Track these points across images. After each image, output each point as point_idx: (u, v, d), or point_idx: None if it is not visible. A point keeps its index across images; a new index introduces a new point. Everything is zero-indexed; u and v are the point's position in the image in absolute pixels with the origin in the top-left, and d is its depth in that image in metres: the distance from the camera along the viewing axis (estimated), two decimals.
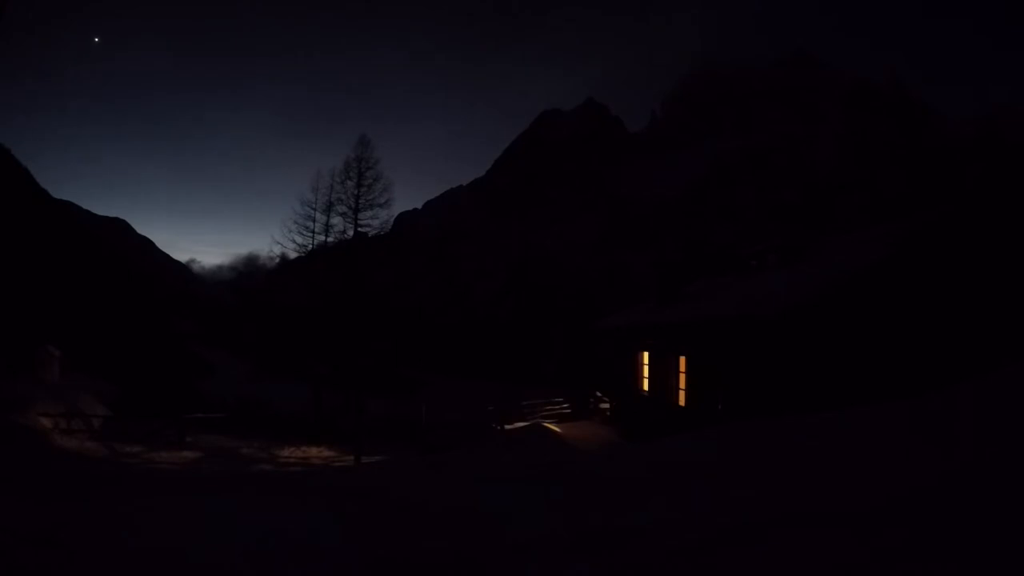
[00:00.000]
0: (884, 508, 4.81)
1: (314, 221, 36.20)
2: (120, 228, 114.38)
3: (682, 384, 17.69)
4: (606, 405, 23.29)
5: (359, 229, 35.72)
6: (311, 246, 36.72)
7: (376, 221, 36.27)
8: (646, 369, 20.72)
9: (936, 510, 4.52)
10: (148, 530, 7.55)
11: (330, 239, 36.59)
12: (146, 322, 53.44)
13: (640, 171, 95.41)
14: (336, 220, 36.08)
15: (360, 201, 35.39)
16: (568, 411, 23.08)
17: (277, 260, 39.87)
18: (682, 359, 17.77)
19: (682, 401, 17.66)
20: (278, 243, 36.83)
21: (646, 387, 20.63)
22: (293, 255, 38.20)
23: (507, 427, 20.96)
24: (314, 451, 22.14)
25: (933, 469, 5.65)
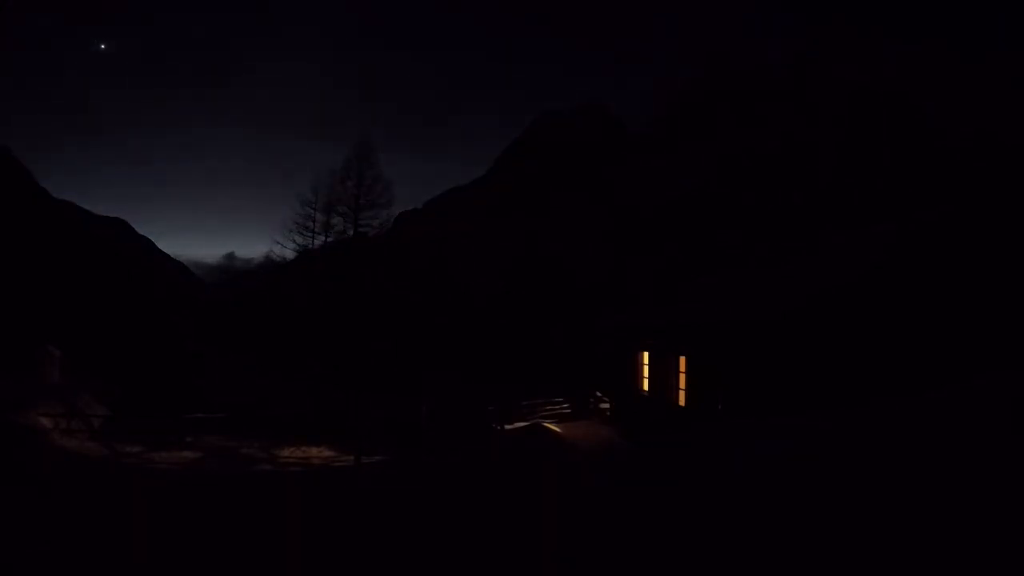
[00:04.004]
0: None
1: (314, 221, 36.21)
2: (120, 228, 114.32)
3: (682, 384, 17.68)
4: (606, 405, 23.26)
5: (359, 229, 35.71)
6: (311, 246, 36.71)
7: (376, 221, 36.28)
8: (646, 369, 20.70)
9: None
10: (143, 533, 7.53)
11: (330, 239, 36.59)
12: (146, 322, 53.44)
13: (641, 171, 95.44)
14: (336, 220, 36.09)
15: (360, 201, 35.38)
16: (568, 411, 23.07)
17: (277, 260, 39.87)
18: (682, 359, 17.75)
19: (682, 401, 17.64)
20: (278, 243, 36.77)
21: (646, 387, 20.62)
22: (293, 255, 38.22)
23: (507, 427, 20.96)
24: (314, 451, 22.15)
25: None
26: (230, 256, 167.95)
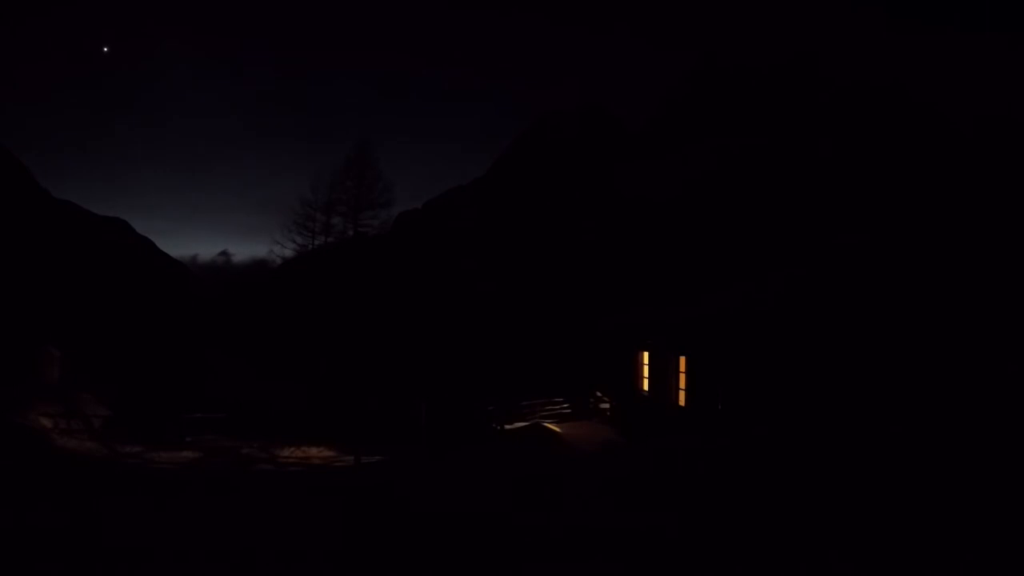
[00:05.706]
0: None
1: (314, 221, 36.33)
2: (120, 228, 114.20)
3: (682, 384, 17.69)
4: (606, 405, 23.25)
5: (359, 229, 35.82)
6: (311, 246, 36.79)
7: (376, 221, 36.47)
8: (646, 369, 20.72)
9: None
10: (146, 532, 7.55)
11: (330, 239, 36.68)
12: (146, 322, 53.42)
13: (640, 171, 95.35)
14: (336, 220, 36.24)
15: (360, 201, 35.50)
16: (568, 411, 23.04)
17: (277, 260, 39.97)
18: (682, 359, 17.76)
19: (682, 401, 17.65)
20: (278, 243, 36.88)
21: (646, 387, 20.63)
22: (293, 255, 38.28)
23: (507, 427, 20.95)
24: (314, 451, 22.14)
25: None
26: (224, 254, 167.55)
